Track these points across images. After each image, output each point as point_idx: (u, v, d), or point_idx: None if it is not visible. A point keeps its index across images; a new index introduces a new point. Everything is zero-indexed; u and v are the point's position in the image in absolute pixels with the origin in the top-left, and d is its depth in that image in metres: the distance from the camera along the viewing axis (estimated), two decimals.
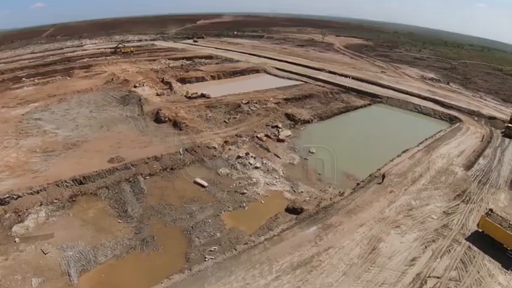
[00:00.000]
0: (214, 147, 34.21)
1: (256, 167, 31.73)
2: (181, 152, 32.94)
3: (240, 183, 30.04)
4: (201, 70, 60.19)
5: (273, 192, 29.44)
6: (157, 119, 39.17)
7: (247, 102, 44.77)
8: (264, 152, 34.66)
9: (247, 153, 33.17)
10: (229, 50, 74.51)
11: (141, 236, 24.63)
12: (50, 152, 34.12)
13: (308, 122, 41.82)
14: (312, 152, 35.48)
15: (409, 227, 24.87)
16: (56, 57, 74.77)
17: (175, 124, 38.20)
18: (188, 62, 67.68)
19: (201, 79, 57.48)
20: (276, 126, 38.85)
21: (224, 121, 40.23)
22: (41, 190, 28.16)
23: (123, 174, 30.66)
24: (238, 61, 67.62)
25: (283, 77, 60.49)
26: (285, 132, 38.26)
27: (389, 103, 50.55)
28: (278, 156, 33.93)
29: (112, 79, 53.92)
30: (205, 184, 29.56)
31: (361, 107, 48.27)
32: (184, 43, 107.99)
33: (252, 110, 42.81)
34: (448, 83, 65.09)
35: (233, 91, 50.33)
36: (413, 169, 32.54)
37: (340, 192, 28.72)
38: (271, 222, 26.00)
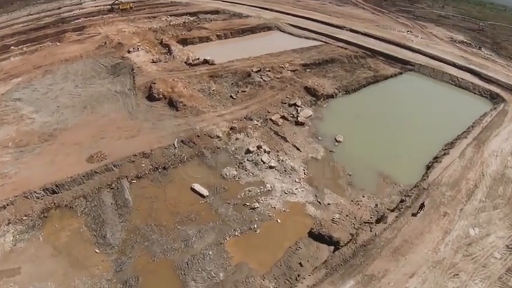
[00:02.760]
0: (218, 136, 24.50)
1: (271, 167, 22.17)
2: (176, 145, 23.48)
3: (249, 191, 20.75)
4: (206, 28, 47.70)
5: (292, 205, 20.20)
6: (150, 95, 29.01)
7: (259, 70, 33.88)
8: (281, 142, 24.71)
9: (259, 147, 23.45)
10: (238, 3, 60.62)
11: (123, 276, 16.11)
12: (23, 147, 24.77)
13: (332, 96, 31.05)
14: (339, 141, 25.40)
15: (470, 274, 16.01)
16: (52, 18, 62.27)
17: (171, 103, 28.07)
18: (192, 19, 54.70)
19: (206, 39, 45.17)
20: (295, 105, 28.37)
21: (231, 96, 29.86)
22: (8, 204, 19.52)
23: (104, 179, 21.56)
24: (248, 16, 54.62)
25: (299, 36, 47.58)
26: (305, 112, 27.86)
27: (422, 72, 38.48)
28: (298, 149, 24.09)
29: (105, 43, 42.72)
30: (206, 193, 20.39)
31: (391, 76, 36.53)
32: None
33: (264, 80, 32.09)
34: (480, 48, 52.33)
35: (242, 54, 38.60)
36: (466, 175, 22.57)
37: (380, 215, 19.39)
38: (291, 255, 17.52)
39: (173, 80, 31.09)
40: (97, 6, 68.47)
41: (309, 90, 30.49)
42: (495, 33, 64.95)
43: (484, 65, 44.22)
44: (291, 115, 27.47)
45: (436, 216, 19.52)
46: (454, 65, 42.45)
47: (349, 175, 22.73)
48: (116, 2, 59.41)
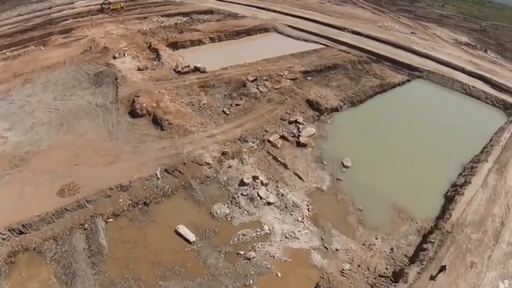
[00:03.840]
0: (208, 163, 20.31)
1: (269, 203, 18.09)
2: (158, 175, 19.38)
3: (244, 235, 16.72)
4: (198, 30, 42.90)
5: (294, 252, 16.22)
6: (133, 111, 24.66)
7: (255, 79, 29.57)
8: (280, 169, 20.55)
9: (255, 177, 19.24)
10: (233, 3, 55.78)
11: None
12: None
13: (336, 109, 26.89)
14: (347, 166, 21.42)
15: None
16: (41, 19, 57.13)
17: (156, 120, 23.76)
18: (185, 19, 49.74)
19: (198, 42, 40.32)
20: (295, 122, 24.15)
21: (223, 111, 25.47)
22: None
23: (76, 217, 17.55)
24: (243, 17, 49.92)
25: (298, 38, 42.94)
26: (307, 131, 23.71)
27: (431, 79, 34.24)
28: (300, 177, 20.03)
29: (90, 47, 38.08)
30: (192, 238, 16.34)
31: (398, 84, 32.25)
32: None
33: (261, 92, 27.72)
34: (485, 51, 48.64)
35: (236, 60, 33.97)
36: (491, 210, 18.90)
37: (397, 265, 15.59)
38: None
39: (159, 92, 26.68)
40: (88, 6, 63.12)
41: (311, 103, 26.23)
42: (498, 34, 61.40)
43: (493, 70, 40.24)
44: (292, 134, 23.29)
45: (462, 269, 15.68)
46: (463, 70, 38.47)
47: (360, 210, 18.82)
48: (106, 1, 54.37)
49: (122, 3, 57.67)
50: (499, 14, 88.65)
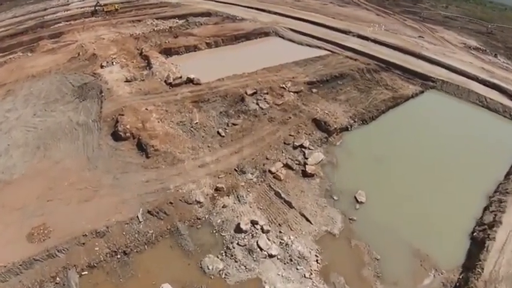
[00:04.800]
0: (199, 202, 16.47)
1: (271, 255, 14.33)
2: (140, 218, 15.61)
3: None
4: (194, 35, 38.61)
5: None
6: (116, 133, 20.88)
7: (254, 93, 25.53)
8: (284, 209, 16.62)
9: (254, 223, 15.42)
10: (232, 4, 51.70)
11: None
12: None
13: (346, 128, 22.98)
14: (361, 202, 17.58)
15: None
16: (34, 21, 53.22)
17: (141, 145, 19.98)
18: (180, 22, 45.36)
19: (193, 48, 36.14)
20: (301, 146, 20.29)
21: (218, 132, 21.43)
22: None
23: (47, 268, 13.86)
24: (242, 19, 45.74)
25: (300, 43, 38.79)
26: (314, 157, 19.75)
27: (446, 90, 30.34)
28: (307, 219, 16.17)
29: (78, 54, 34.08)
30: None
31: (412, 96, 28.30)
32: None
33: (261, 108, 23.73)
34: (495, 56, 45.07)
35: (234, 69, 29.92)
36: None
37: None
38: None
39: (146, 109, 22.79)
40: (82, 7, 59.03)
41: (318, 123, 22.22)
42: (504, 37, 58.07)
43: (507, 78, 36.00)
44: (297, 162, 19.38)
45: None
46: (477, 79, 34.32)
47: (377, 260, 15.07)
48: (98, 4, 50.31)
49: (116, 5, 53.52)
50: (502, 15, 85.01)
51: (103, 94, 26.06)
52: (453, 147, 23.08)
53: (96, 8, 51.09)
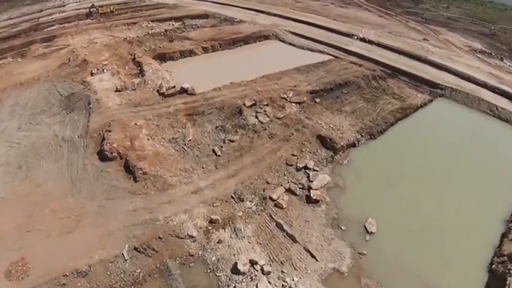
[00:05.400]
0: (192, 236, 14.23)
1: None
2: (126, 256, 13.50)
3: None
4: (190, 39, 36.11)
5: None
6: (102, 152, 18.64)
7: (253, 104, 23.18)
8: (287, 243, 14.34)
9: (253, 262, 13.16)
10: (230, 5, 49.30)
11: None
12: None
13: (353, 144, 20.77)
14: (371, 232, 15.39)
15: None
16: (27, 24, 50.88)
17: (128, 167, 17.72)
18: (177, 25, 42.87)
19: (189, 53, 33.73)
20: (305, 168, 18.05)
21: (213, 151, 19.08)
22: None
23: None
24: (241, 22, 43.21)
25: (302, 47, 36.41)
26: (319, 180, 17.49)
27: (455, 98, 28.16)
28: (313, 255, 13.91)
29: (69, 59, 31.61)
30: None
31: (421, 106, 26.11)
32: None
33: (261, 122, 21.41)
34: (501, 59, 43.07)
35: (231, 77, 27.47)
36: None
37: None
38: None
39: (136, 124, 20.46)
40: (78, 9, 56.55)
41: (323, 140, 19.92)
42: (508, 38, 56.05)
43: None
44: (300, 186, 17.14)
45: None
46: (486, 86, 31.90)
47: None
48: (93, 6, 47.84)
49: (111, 7, 50.94)
50: (503, 15, 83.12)
51: (91, 106, 23.67)
52: (467, 164, 20.78)
53: (91, 10, 48.67)
